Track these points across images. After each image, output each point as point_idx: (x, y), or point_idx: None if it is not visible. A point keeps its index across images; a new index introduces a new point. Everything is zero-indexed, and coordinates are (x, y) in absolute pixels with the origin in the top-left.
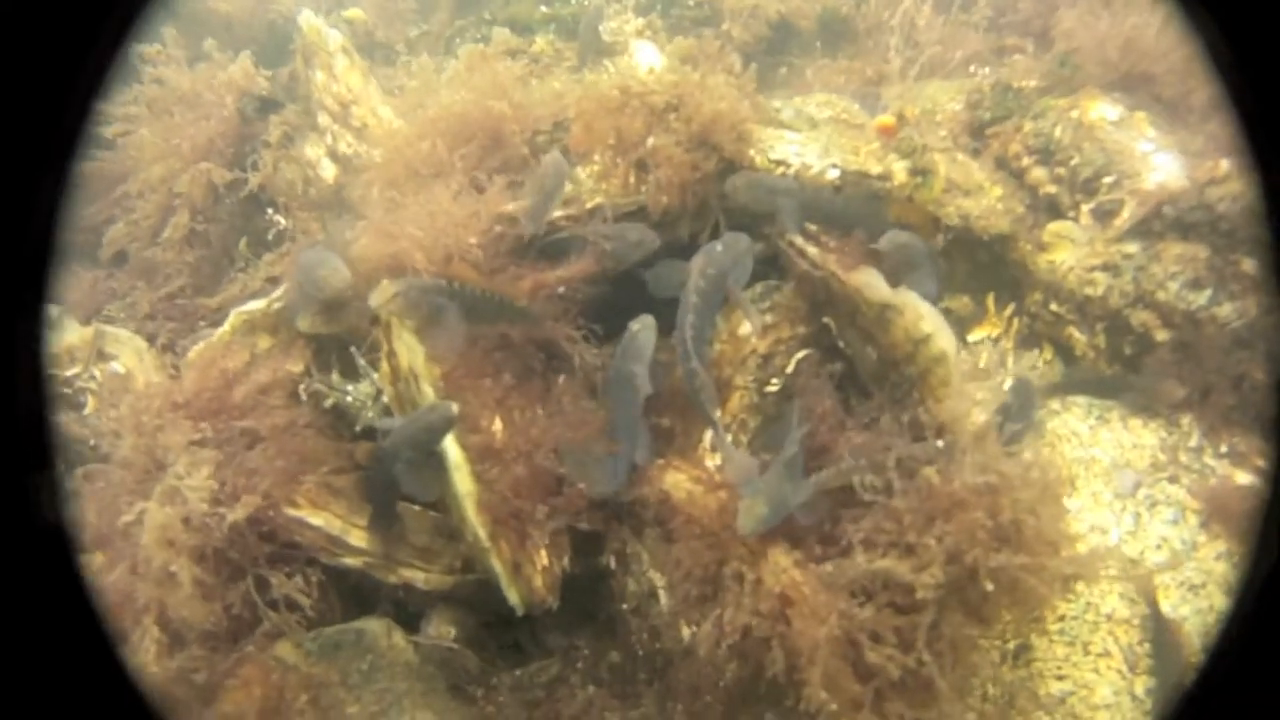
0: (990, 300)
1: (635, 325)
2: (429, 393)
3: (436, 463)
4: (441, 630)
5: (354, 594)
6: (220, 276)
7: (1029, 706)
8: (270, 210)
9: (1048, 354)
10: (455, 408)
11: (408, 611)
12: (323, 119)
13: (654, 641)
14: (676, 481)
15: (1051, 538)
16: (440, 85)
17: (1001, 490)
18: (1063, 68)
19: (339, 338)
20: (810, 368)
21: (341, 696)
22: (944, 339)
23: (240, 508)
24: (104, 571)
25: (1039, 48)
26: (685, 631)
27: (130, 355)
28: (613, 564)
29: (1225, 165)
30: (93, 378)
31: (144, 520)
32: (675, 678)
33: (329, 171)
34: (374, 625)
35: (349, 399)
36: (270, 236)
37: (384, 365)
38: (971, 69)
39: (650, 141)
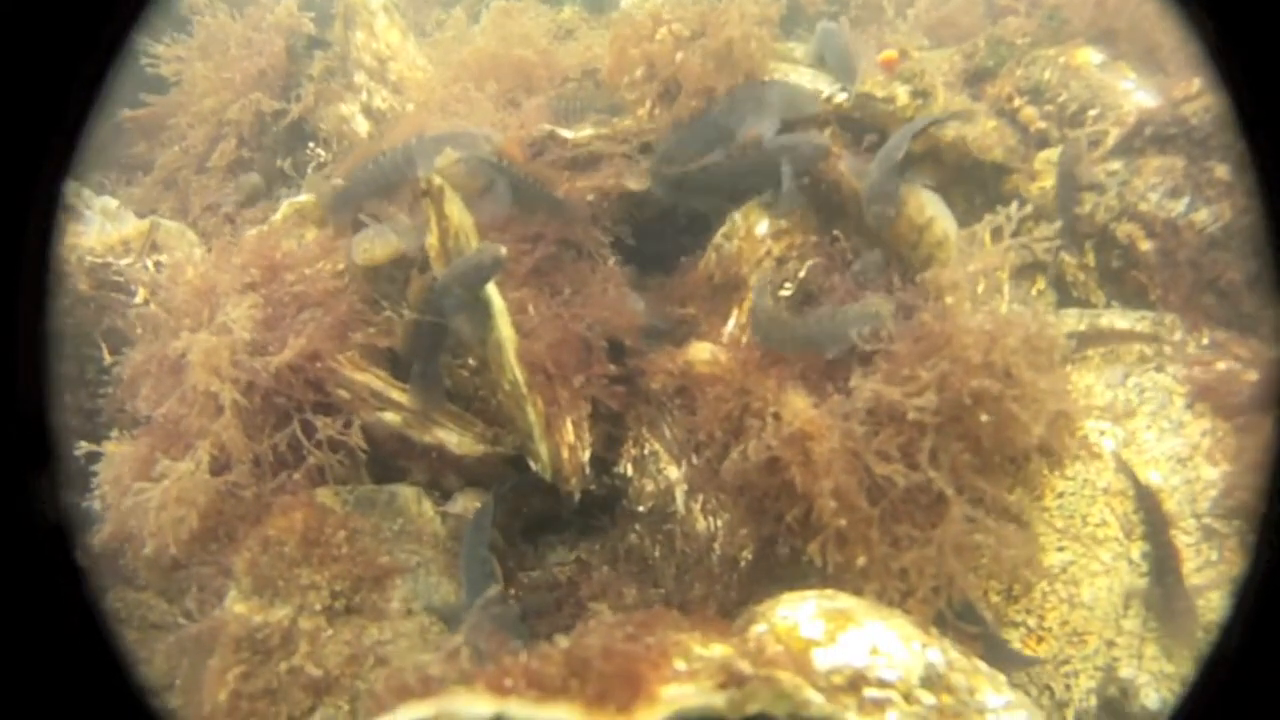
0: (986, 233)
1: None
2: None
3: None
4: (468, 505)
5: (382, 468)
6: (259, 200)
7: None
8: (311, 144)
9: (1040, 284)
10: (504, 250)
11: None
12: (359, 77)
13: (671, 537)
14: (699, 350)
15: (1042, 381)
16: (472, 36)
17: (996, 335)
18: (1050, 21)
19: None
20: (820, 275)
21: (373, 546)
22: (946, 223)
23: (288, 351)
24: (154, 405)
25: (1030, 11)
26: (702, 524)
27: (184, 248)
28: (629, 470)
29: (1197, 83)
30: (145, 268)
31: (193, 348)
32: (693, 565)
33: (362, 126)
34: (406, 490)
35: None
36: (311, 168)
37: (433, 232)
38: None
39: (679, 57)
